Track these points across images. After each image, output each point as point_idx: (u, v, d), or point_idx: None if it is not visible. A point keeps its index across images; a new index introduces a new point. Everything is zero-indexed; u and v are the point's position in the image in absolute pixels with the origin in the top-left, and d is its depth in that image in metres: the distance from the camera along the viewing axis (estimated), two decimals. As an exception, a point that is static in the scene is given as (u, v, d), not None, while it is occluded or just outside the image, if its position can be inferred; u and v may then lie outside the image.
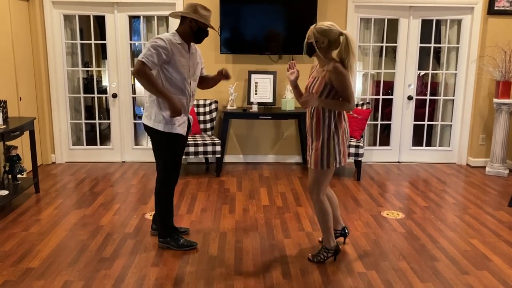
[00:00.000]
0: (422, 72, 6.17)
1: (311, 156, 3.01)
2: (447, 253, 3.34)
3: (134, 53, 6.45)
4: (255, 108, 5.42)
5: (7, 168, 4.40)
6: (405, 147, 6.05)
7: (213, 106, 5.61)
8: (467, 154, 5.98)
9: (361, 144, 5.11)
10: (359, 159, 5.14)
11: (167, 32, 5.72)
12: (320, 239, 3.45)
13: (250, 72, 5.62)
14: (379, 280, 2.94)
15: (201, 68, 3.41)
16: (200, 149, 5.08)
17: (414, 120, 6.00)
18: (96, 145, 6.01)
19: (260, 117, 5.41)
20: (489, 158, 5.69)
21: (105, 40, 5.71)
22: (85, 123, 6.01)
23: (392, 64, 6.06)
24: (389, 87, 6.12)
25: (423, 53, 5.90)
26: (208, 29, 3.16)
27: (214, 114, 5.62)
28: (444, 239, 3.59)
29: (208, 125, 5.62)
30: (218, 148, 5.14)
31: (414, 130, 6.05)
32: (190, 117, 3.40)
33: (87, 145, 5.99)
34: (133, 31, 6.07)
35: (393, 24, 5.79)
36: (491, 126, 5.76)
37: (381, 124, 6.22)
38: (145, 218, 3.96)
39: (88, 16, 5.65)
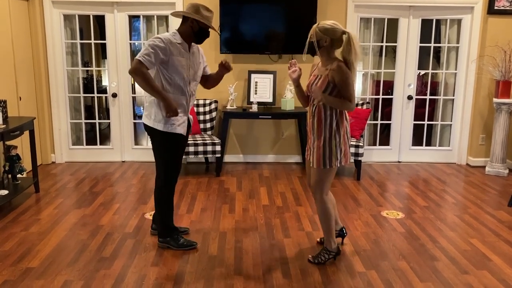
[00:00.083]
0: (422, 72, 6.17)
1: (313, 155, 3.00)
2: (447, 253, 3.34)
3: (134, 52, 6.44)
4: (255, 108, 5.42)
5: (7, 168, 4.41)
6: (405, 147, 6.05)
7: (213, 106, 5.61)
8: (467, 154, 5.98)
9: (361, 144, 5.11)
10: (359, 158, 5.14)
11: (167, 32, 5.71)
12: (319, 239, 3.45)
13: (250, 72, 5.62)
14: (379, 280, 2.94)
15: (204, 67, 3.39)
16: (200, 148, 5.08)
17: (414, 120, 6.00)
18: (96, 144, 6.01)
19: (260, 116, 5.41)
20: (489, 157, 5.69)
21: (105, 39, 5.71)
22: (85, 123, 6.01)
23: (392, 64, 6.06)
24: (389, 87, 6.12)
25: (423, 53, 5.90)
26: (209, 30, 3.16)
27: (214, 114, 5.62)
28: (444, 239, 3.59)
29: (208, 125, 5.62)
30: (218, 147, 5.14)
31: (414, 129, 6.05)
32: (191, 117, 3.39)
33: (87, 144, 5.99)
34: (133, 31, 6.07)
35: (393, 24, 5.79)
36: (491, 126, 5.76)
37: (381, 124, 6.22)
38: (145, 218, 3.96)
39: (88, 16, 5.64)
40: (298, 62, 5.60)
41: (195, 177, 5.24)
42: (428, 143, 6.16)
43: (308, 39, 2.95)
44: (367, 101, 5.72)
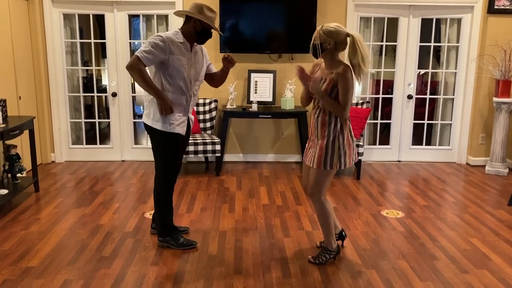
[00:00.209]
0: (422, 71, 6.17)
1: (315, 155, 2.98)
2: (447, 252, 3.34)
3: (134, 52, 6.43)
4: (254, 107, 5.42)
5: (6, 167, 4.40)
6: (405, 146, 6.04)
7: (212, 105, 5.61)
8: (467, 153, 5.98)
9: (361, 143, 5.11)
10: (359, 158, 5.14)
11: (167, 31, 5.71)
12: (318, 243, 3.43)
13: (250, 71, 5.62)
14: (379, 280, 2.94)
15: (207, 66, 3.38)
16: (200, 148, 5.08)
17: (414, 119, 6.00)
18: (96, 144, 6.01)
19: (259, 116, 5.40)
20: (489, 157, 5.69)
21: (104, 39, 5.70)
22: (85, 122, 6.00)
23: (392, 63, 6.06)
24: (389, 86, 6.11)
25: (423, 52, 5.90)
26: (212, 30, 3.15)
27: (214, 113, 5.61)
28: (443, 238, 3.59)
29: (208, 124, 5.62)
30: (217, 147, 5.14)
31: (414, 129, 6.05)
32: (191, 117, 3.38)
33: (86, 144, 5.99)
34: (133, 30, 6.07)
35: (393, 23, 5.79)
36: (491, 125, 5.76)
37: (381, 123, 6.22)
38: (144, 217, 3.96)
39: (88, 15, 5.64)
40: (299, 61, 5.65)
41: (195, 176, 5.24)
42: (428, 143, 6.16)
43: (311, 42, 2.94)
44: (367, 100, 5.72)
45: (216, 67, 3.51)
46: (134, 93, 6.35)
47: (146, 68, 3.05)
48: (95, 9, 5.58)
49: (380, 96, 6.06)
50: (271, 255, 3.26)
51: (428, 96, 6.01)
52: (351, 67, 2.86)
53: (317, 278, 2.94)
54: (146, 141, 6.41)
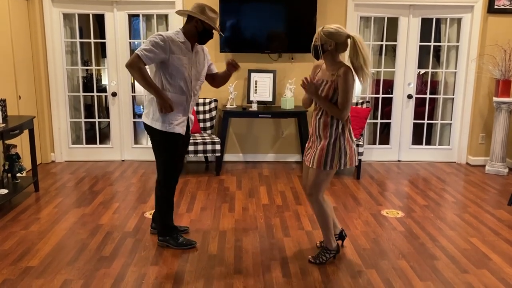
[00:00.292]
0: (422, 71, 6.17)
1: (315, 155, 2.98)
2: (447, 252, 3.34)
3: (134, 51, 6.43)
4: (254, 107, 5.42)
5: (6, 167, 4.40)
6: (405, 146, 6.04)
7: (212, 105, 5.61)
8: (466, 153, 5.98)
9: (360, 143, 5.11)
10: (359, 157, 5.14)
11: (167, 30, 5.71)
12: (318, 243, 3.43)
13: (250, 71, 5.62)
14: (379, 279, 2.94)
15: (209, 66, 3.37)
16: (200, 147, 5.07)
17: (414, 119, 6.00)
18: (96, 143, 6.01)
19: (259, 115, 5.40)
20: (488, 156, 5.69)
21: (104, 38, 5.70)
22: (85, 122, 6.00)
23: (392, 63, 6.06)
24: (389, 86, 6.11)
25: (423, 52, 5.90)
26: (213, 31, 3.15)
27: (213, 113, 5.61)
28: (443, 238, 3.59)
29: (208, 124, 5.61)
30: (217, 146, 5.14)
31: (413, 128, 6.05)
32: (191, 117, 3.38)
33: (86, 143, 5.99)
34: (133, 30, 6.07)
35: (393, 23, 5.79)
36: (490, 125, 5.76)
37: (380, 123, 6.22)
38: (144, 217, 3.96)
39: (88, 15, 5.64)
40: (299, 61, 5.65)
41: (195, 176, 5.24)
42: (428, 142, 6.16)
43: (312, 43, 2.94)
44: (367, 100, 5.72)
45: (217, 67, 3.51)
46: (134, 92, 6.35)
47: (147, 67, 3.05)
48: (95, 8, 5.58)
49: (380, 95, 6.06)
50: (271, 255, 3.26)
51: (428, 96, 6.00)
52: (352, 69, 2.86)
53: (317, 278, 2.94)
54: (146, 141, 6.41)
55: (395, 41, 5.82)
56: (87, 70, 6.80)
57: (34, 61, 5.46)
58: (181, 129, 3.20)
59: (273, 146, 5.97)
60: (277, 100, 5.69)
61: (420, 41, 5.78)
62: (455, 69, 5.88)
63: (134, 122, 6.05)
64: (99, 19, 5.87)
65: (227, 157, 5.94)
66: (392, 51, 6.09)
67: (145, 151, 5.93)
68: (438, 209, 4.26)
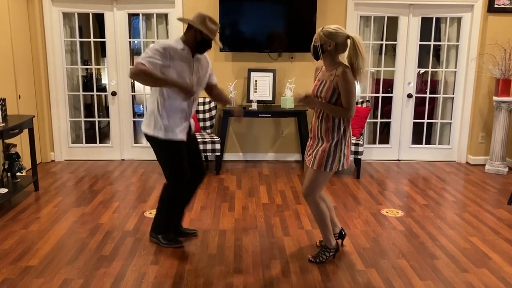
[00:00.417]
0: (422, 70, 6.16)
1: (315, 156, 2.98)
2: (447, 251, 3.34)
3: (134, 51, 6.44)
4: (254, 106, 5.42)
5: (6, 166, 4.40)
6: (405, 145, 6.04)
7: (212, 104, 5.60)
8: (466, 152, 5.98)
9: (360, 142, 5.11)
10: (359, 157, 5.14)
11: (167, 30, 5.72)
12: (318, 242, 3.43)
13: (250, 70, 5.61)
14: (379, 278, 2.94)
15: (209, 75, 3.34)
16: (200, 147, 5.07)
17: (414, 118, 6.00)
18: (96, 143, 6.00)
19: (259, 115, 5.40)
20: (488, 156, 5.69)
21: (104, 38, 5.70)
22: (85, 121, 6.00)
23: (392, 62, 6.05)
24: (388, 85, 6.11)
25: (423, 51, 5.90)
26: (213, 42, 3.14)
27: (213, 112, 5.61)
28: (443, 237, 3.59)
29: (208, 123, 5.61)
30: (217, 146, 5.14)
31: (413, 128, 6.04)
32: (192, 121, 3.37)
33: (86, 143, 5.99)
34: (132, 29, 6.06)
35: (393, 22, 5.78)
36: (490, 124, 5.76)
37: (380, 122, 6.21)
38: (144, 216, 3.96)
39: (87, 14, 5.63)
40: (299, 60, 5.65)
41: (195, 175, 5.23)
42: (428, 142, 6.16)
43: (312, 43, 2.94)
44: (367, 99, 5.72)
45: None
46: (134, 92, 6.35)
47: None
48: (94, 8, 5.57)
49: (380, 95, 6.06)
50: (271, 254, 3.26)
51: (428, 95, 6.00)
52: (350, 68, 2.86)
53: (317, 277, 2.94)
54: (146, 140, 6.40)
55: (395, 40, 5.82)
56: (87, 69, 6.80)
57: (33, 60, 5.46)
58: (183, 135, 3.19)
59: (273, 146, 5.97)
60: (277, 99, 5.69)
61: (420, 40, 5.78)
62: (455, 68, 5.88)
63: (134, 122, 6.05)
64: (99, 18, 5.86)
65: (227, 156, 5.94)
66: (392, 50, 6.09)
67: (145, 150, 5.93)
68: (438, 208, 4.26)
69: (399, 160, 6.07)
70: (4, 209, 4.09)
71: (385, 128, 6.36)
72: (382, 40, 5.87)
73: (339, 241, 3.39)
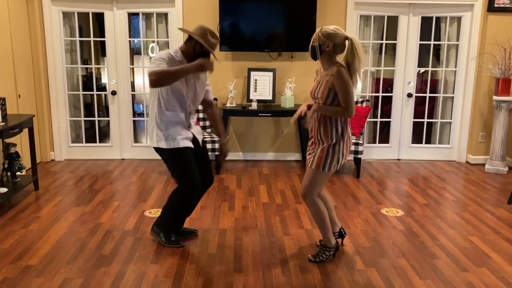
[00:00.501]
0: (422, 70, 6.16)
1: (314, 156, 2.98)
2: (447, 251, 3.34)
3: (133, 50, 6.44)
4: (254, 106, 5.42)
5: (6, 166, 4.40)
6: (405, 145, 6.04)
7: (212, 104, 5.60)
8: (466, 152, 5.98)
9: (360, 142, 5.11)
10: (359, 156, 5.14)
11: (166, 29, 5.72)
12: (318, 242, 3.44)
13: (250, 70, 5.61)
14: (379, 278, 2.94)
15: (206, 90, 3.32)
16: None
17: (414, 118, 6.00)
18: (96, 142, 6.00)
19: (259, 114, 5.40)
20: (488, 155, 5.69)
21: (104, 37, 5.69)
22: (84, 121, 6.00)
23: (391, 62, 6.05)
24: (388, 85, 6.11)
25: (423, 51, 5.89)
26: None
27: (213, 112, 5.60)
28: (443, 237, 3.59)
29: (208, 123, 5.61)
30: (217, 145, 5.14)
31: (413, 127, 6.04)
32: (197, 128, 3.36)
33: (86, 142, 5.99)
34: (132, 29, 6.06)
35: (393, 21, 5.78)
36: (490, 124, 5.76)
37: (380, 122, 6.21)
38: (144, 216, 3.96)
39: (87, 13, 5.63)
40: (299, 59, 5.64)
41: (195, 174, 5.23)
42: (428, 141, 6.16)
43: (310, 44, 2.94)
44: (367, 98, 5.72)
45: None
46: (134, 91, 6.35)
47: (148, 90, 2.98)
48: (94, 7, 5.57)
49: (380, 94, 6.05)
50: (271, 254, 3.26)
51: (428, 95, 6.00)
52: (346, 67, 2.86)
53: (317, 276, 2.94)
54: (146, 140, 6.41)
55: (395, 39, 5.81)
56: (86, 68, 6.80)
57: (33, 60, 5.46)
58: (187, 143, 3.17)
59: (273, 145, 5.97)
60: (277, 98, 5.69)
61: (420, 40, 5.78)
62: (455, 67, 5.88)
63: (134, 121, 6.04)
64: (99, 18, 5.86)
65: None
66: (392, 49, 6.09)
67: (144, 149, 5.93)
68: (438, 207, 4.26)
69: (399, 159, 6.08)
70: (4, 208, 4.09)
71: (385, 128, 6.36)
72: (382, 39, 5.86)
73: (339, 240, 3.39)
